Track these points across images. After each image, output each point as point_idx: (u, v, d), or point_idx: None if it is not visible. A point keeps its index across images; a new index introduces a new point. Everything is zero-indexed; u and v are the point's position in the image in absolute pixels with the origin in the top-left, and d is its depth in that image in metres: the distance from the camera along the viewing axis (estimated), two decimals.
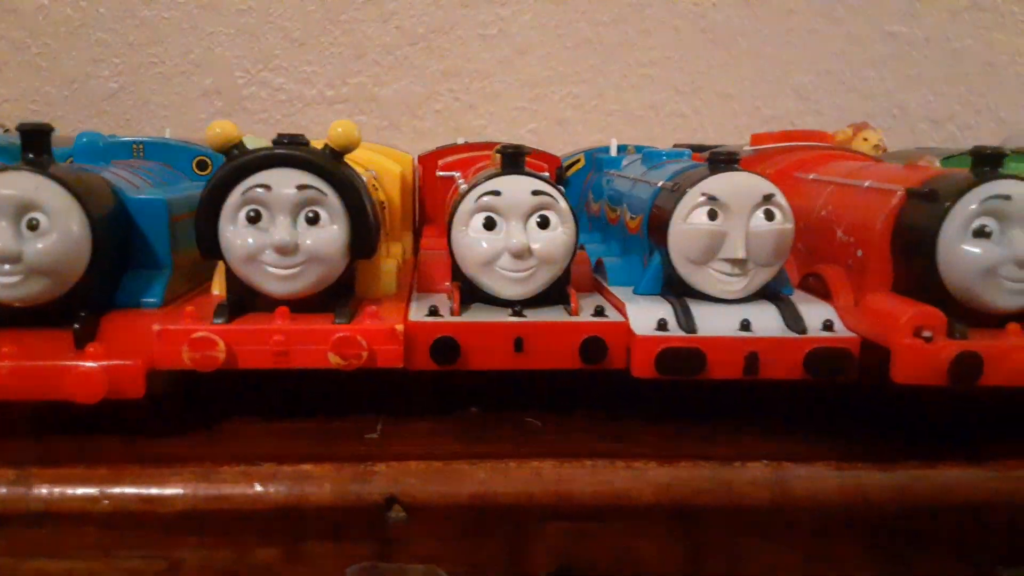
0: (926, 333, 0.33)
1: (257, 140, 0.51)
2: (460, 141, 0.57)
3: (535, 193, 0.36)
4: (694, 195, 0.36)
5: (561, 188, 0.38)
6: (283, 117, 1.22)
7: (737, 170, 0.37)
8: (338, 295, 0.34)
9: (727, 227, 0.36)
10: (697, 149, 0.66)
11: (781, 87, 1.24)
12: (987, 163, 0.34)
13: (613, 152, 0.56)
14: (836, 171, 0.44)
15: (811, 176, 0.45)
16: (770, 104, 1.24)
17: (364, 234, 0.34)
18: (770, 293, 0.38)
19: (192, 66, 1.21)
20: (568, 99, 1.23)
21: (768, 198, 0.36)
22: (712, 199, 0.36)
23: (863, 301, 0.36)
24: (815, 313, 0.36)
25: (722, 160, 0.37)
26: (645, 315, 0.35)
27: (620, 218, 0.45)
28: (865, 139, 0.64)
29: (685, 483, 0.32)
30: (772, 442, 0.35)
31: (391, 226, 0.47)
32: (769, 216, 0.36)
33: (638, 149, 0.60)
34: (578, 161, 0.58)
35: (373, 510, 0.31)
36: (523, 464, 0.32)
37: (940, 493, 0.33)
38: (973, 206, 0.33)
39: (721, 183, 0.36)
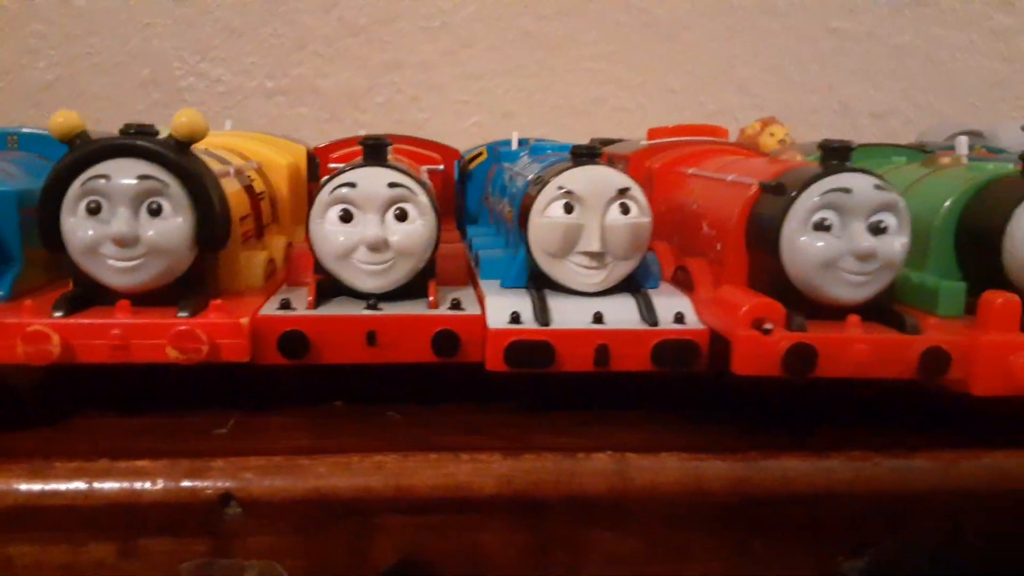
0: (767, 325, 0.33)
1: None
2: (361, 133, 0.57)
3: (392, 185, 0.35)
4: (551, 189, 0.36)
5: (425, 181, 0.38)
6: (222, 109, 1.21)
7: (597, 164, 0.37)
8: (187, 288, 0.34)
9: (583, 220, 0.36)
10: (606, 143, 0.67)
11: (725, 82, 1.25)
12: (835, 156, 0.35)
13: (514, 145, 0.56)
14: (712, 166, 0.44)
15: (690, 171, 0.45)
16: (714, 99, 1.25)
17: (210, 226, 0.34)
18: (633, 286, 0.38)
19: (129, 57, 1.20)
20: (512, 93, 1.22)
21: (623, 192, 0.36)
22: (568, 192, 0.36)
23: (715, 293, 0.36)
24: (670, 306, 0.36)
25: (583, 154, 0.37)
26: (501, 308, 0.35)
27: (503, 211, 0.45)
28: (771, 134, 0.64)
29: (527, 474, 0.32)
30: (622, 433, 0.35)
31: (277, 218, 0.47)
32: (625, 210, 0.36)
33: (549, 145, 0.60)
34: (480, 154, 0.58)
35: (209, 506, 0.31)
36: (366, 458, 0.32)
37: (780, 483, 0.33)
38: (814, 199, 0.33)
39: (577, 177, 0.36)
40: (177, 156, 0.33)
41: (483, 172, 0.57)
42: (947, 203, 0.38)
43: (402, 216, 0.36)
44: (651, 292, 0.38)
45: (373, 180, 0.35)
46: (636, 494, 0.32)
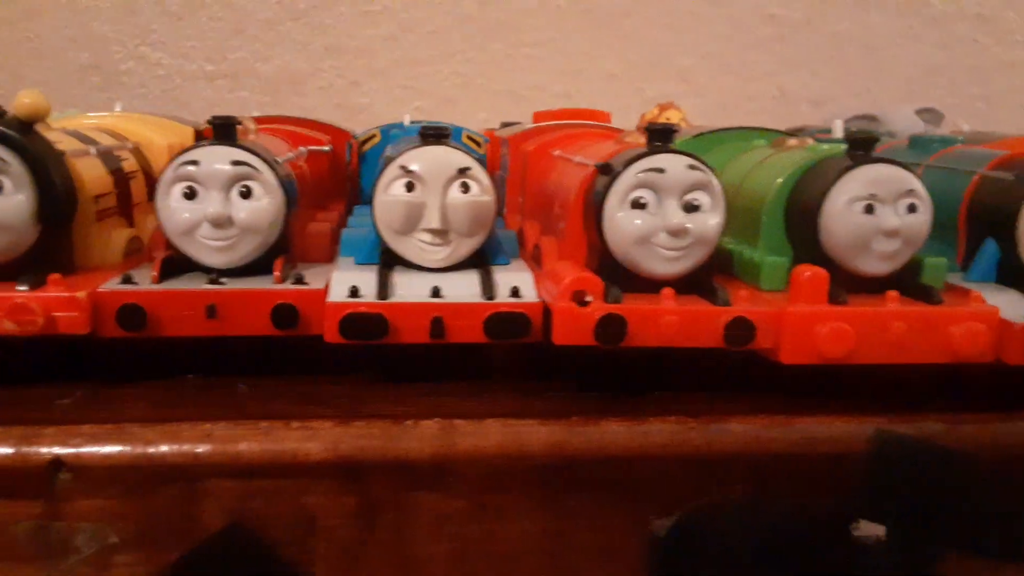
0: (588, 298, 0.35)
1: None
2: (255, 114, 0.58)
3: (235, 163, 0.37)
4: (393, 168, 0.37)
5: (277, 160, 0.39)
6: (162, 92, 1.21)
7: (442, 144, 0.38)
8: (34, 263, 0.35)
9: (425, 198, 0.37)
10: (506, 126, 0.68)
11: (664, 69, 1.26)
12: (658, 138, 0.36)
13: (406, 124, 0.58)
14: (573, 148, 0.45)
15: (556, 152, 0.46)
16: (653, 85, 1.27)
17: (52, 203, 0.35)
18: (481, 262, 0.39)
19: (68, 41, 1.19)
20: (453, 78, 1.23)
21: (464, 171, 0.37)
22: (409, 172, 0.37)
23: (549, 268, 0.38)
24: (510, 281, 0.38)
25: (430, 135, 0.39)
26: (343, 283, 0.36)
27: None
28: (667, 118, 0.66)
29: (355, 440, 0.34)
30: (453, 402, 0.36)
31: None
32: (465, 188, 0.37)
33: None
34: (374, 136, 0.59)
35: (40, 471, 0.32)
36: (196, 426, 0.33)
37: (598, 446, 0.35)
38: (631, 178, 0.35)
39: (418, 157, 0.37)
40: (19, 135, 0.34)
41: (377, 154, 0.58)
42: (777, 182, 0.40)
43: (247, 193, 0.37)
44: (498, 268, 0.39)
45: (216, 158, 0.36)
46: (460, 458, 0.34)
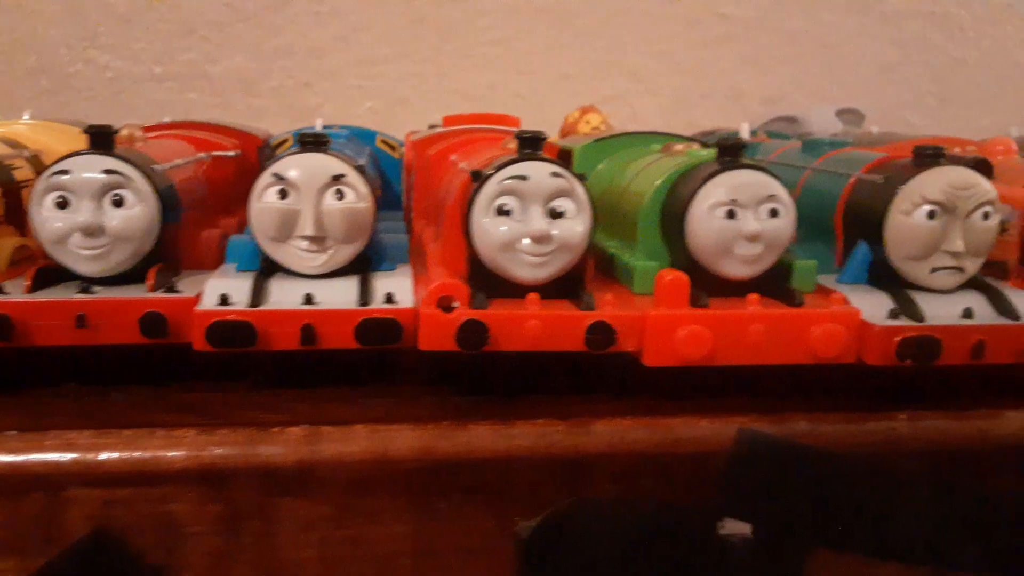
0: (455, 304, 0.35)
1: None
2: (166, 119, 0.58)
3: (107, 172, 0.37)
4: (266, 175, 0.38)
5: (149, 168, 0.39)
6: (111, 95, 1.21)
7: (320, 151, 0.39)
8: None
9: (299, 205, 0.38)
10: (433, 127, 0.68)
11: (617, 68, 1.27)
12: (527, 146, 0.37)
13: (319, 128, 0.58)
14: (468, 154, 0.46)
15: (452, 158, 0.47)
16: (607, 84, 1.27)
17: None
18: (364, 268, 0.40)
19: (15, 45, 1.18)
20: (407, 78, 1.23)
21: (338, 178, 0.38)
22: (281, 179, 0.37)
23: (424, 274, 0.38)
24: (387, 287, 0.38)
25: (308, 141, 0.39)
26: (215, 290, 0.37)
27: None
28: (587, 121, 0.66)
29: (218, 448, 0.34)
30: (323, 407, 0.37)
31: None
32: (340, 195, 0.38)
33: (351, 131, 0.61)
34: (287, 141, 0.60)
35: None
36: (60, 435, 0.34)
37: (465, 449, 0.35)
38: (495, 185, 0.35)
39: (291, 164, 0.38)
40: None
41: None
42: (654, 186, 0.40)
43: (119, 202, 0.37)
44: (381, 274, 0.40)
45: (87, 167, 0.37)
46: (325, 463, 0.35)
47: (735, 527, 0.37)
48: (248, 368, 0.40)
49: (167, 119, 0.59)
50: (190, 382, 0.39)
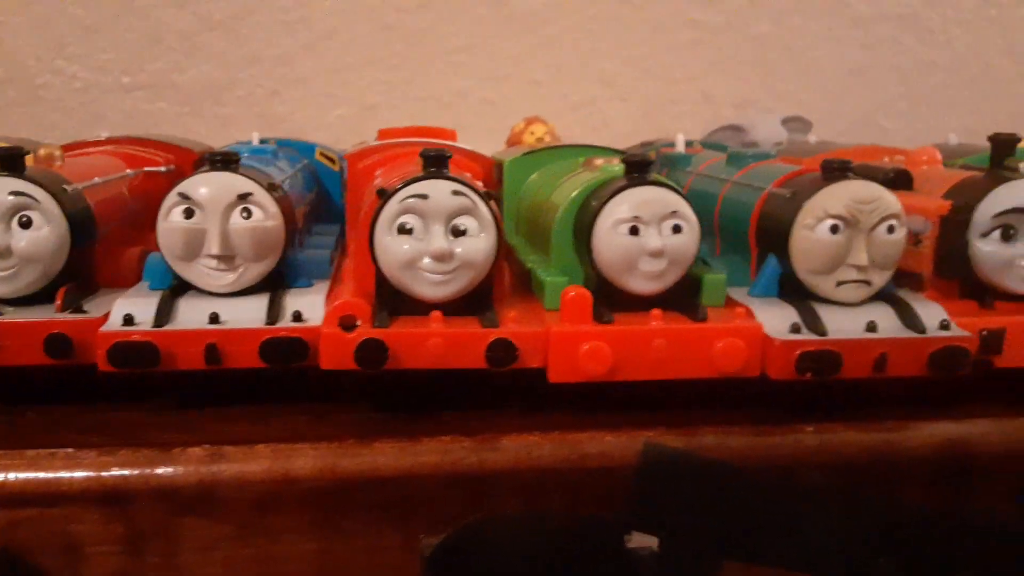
0: (358, 322, 0.35)
1: None
2: (103, 135, 0.58)
3: (13, 194, 0.37)
4: (172, 195, 0.38)
5: (59, 189, 0.39)
6: (80, 105, 1.21)
7: (228, 170, 0.39)
8: None
9: (205, 225, 0.38)
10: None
11: (586, 74, 1.27)
12: (432, 164, 0.37)
13: (255, 143, 0.58)
14: (393, 169, 0.46)
15: (377, 173, 0.47)
16: (576, 90, 1.28)
17: None
18: (277, 285, 0.40)
19: None
20: (375, 85, 1.23)
21: (244, 197, 0.38)
22: (186, 198, 0.38)
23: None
24: (298, 304, 0.38)
25: (217, 160, 0.39)
26: (122, 311, 0.37)
27: None
28: (532, 132, 0.67)
29: (119, 468, 0.34)
30: (227, 427, 0.37)
31: None
32: (247, 214, 0.38)
33: (289, 144, 0.61)
34: None
35: None
36: None
37: (369, 467, 0.35)
38: (395, 204, 0.36)
39: (197, 183, 0.38)
40: None
41: None
42: (565, 203, 0.41)
43: (27, 223, 0.37)
44: (295, 291, 0.40)
45: None
46: (227, 483, 0.35)
47: (643, 540, 0.37)
48: (163, 387, 0.41)
49: (104, 135, 0.59)
50: (99, 402, 0.39)
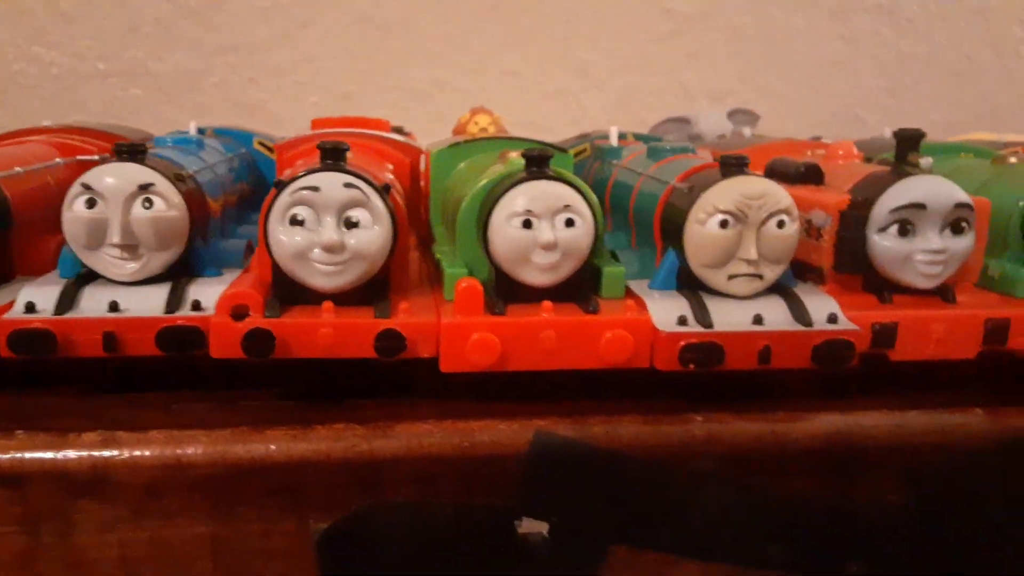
0: (249, 312, 0.36)
1: None
2: (46, 123, 0.59)
3: None
4: (76, 186, 0.39)
5: None
6: (57, 92, 1.21)
7: (134, 161, 0.39)
8: None
9: (107, 214, 0.39)
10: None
11: (564, 64, 1.28)
12: (328, 156, 0.38)
13: (192, 133, 0.59)
14: (312, 160, 0.47)
15: (299, 163, 0.48)
16: (554, 81, 1.28)
17: None
18: (183, 274, 0.41)
19: None
20: (351, 74, 1.24)
21: (146, 187, 0.39)
22: (89, 188, 0.38)
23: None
24: (200, 293, 0.39)
25: (123, 151, 0.40)
26: (25, 298, 0.38)
27: None
28: (476, 123, 0.67)
29: (16, 452, 0.35)
30: (124, 414, 0.38)
31: None
32: (148, 204, 0.39)
33: (227, 132, 0.62)
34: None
35: None
36: None
37: (260, 454, 0.36)
38: (287, 196, 0.36)
39: (100, 174, 0.39)
40: None
41: None
42: (470, 194, 0.41)
43: None
44: (201, 280, 0.41)
45: None
46: (120, 467, 0.36)
47: (533, 526, 0.38)
48: (73, 374, 0.42)
49: (47, 123, 0.59)
50: (3, 388, 0.40)
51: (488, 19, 1.24)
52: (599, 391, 0.41)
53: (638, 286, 0.42)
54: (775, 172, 0.49)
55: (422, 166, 0.56)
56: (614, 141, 0.58)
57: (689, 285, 0.41)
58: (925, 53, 1.35)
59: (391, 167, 0.49)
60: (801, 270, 0.44)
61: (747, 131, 0.67)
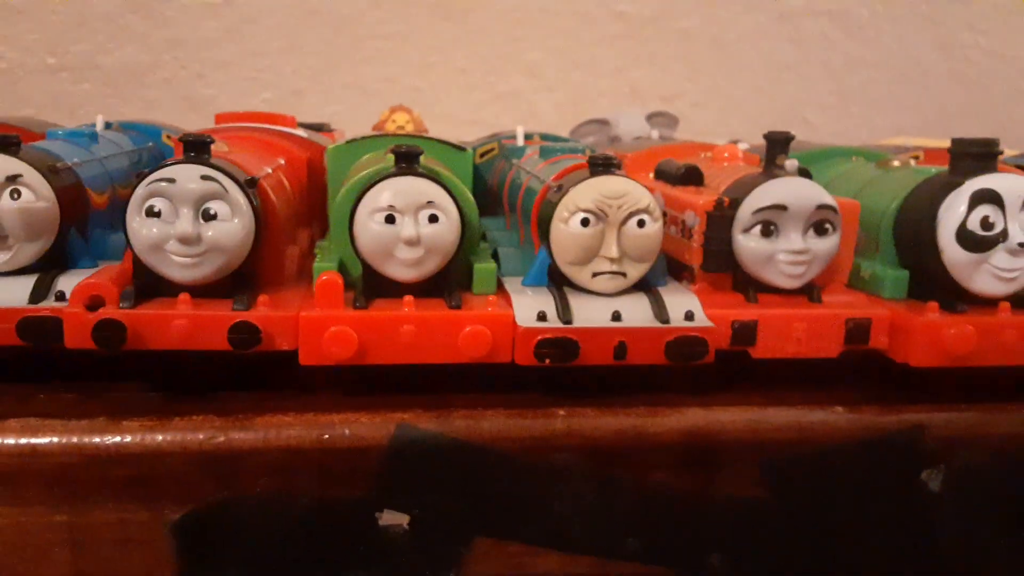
0: (104, 303, 0.37)
1: None
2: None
3: None
4: None
5: None
6: (6, 86, 1.21)
7: (5, 154, 0.40)
8: None
9: None
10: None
11: (513, 63, 1.28)
12: (191, 149, 0.38)
13: (99, 127, 0.58)
14: None
15: None
16: (503, 80, 1.29)
17: None
18: (54, 265, 0.41)
19: None
20: (301, 71, 1.24)
21: (13, 179, 0.39)
22: None
23: None
24: (67, 284, 0.39)
25: None
26: None
27: None
28: (394, 120, 0.68)
29: None
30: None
31: None
32: (16, 195, 0.39)
33: (135, 127, 0.62)
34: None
35: None
36: None
37: (114, 446, 0.36)
38: (144, 188, 0.37)
39: None
40: None
41: None
42: (343, 191, 0.42)
43: None
44: (74, 271, 0.41)
45: None
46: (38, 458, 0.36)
47: (393, 518, 0.39)
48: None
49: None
50: None
51: (439, 16, 1.24)
52: (465, 385, 0.41)
53: (515, 283, 0.43)
54: (660, 173, 0.50)
55: None
56: (520, 141, 0.59)
57: (560, 282, 0.41)
58: (873, 57, 1.36)
59: (282, 162, 0.49)
60: (678, 269, 0.45)
61: (655, 134, 0.67)
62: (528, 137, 0.60)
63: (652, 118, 0.72)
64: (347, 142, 0.52)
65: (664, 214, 0.47)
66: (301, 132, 0.56)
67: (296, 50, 1.24)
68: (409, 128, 0.69)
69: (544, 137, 0.61)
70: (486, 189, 0.60)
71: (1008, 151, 0.65)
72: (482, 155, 0.60)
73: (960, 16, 1.37)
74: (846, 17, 1.36)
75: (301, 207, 0.50)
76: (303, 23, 1.23)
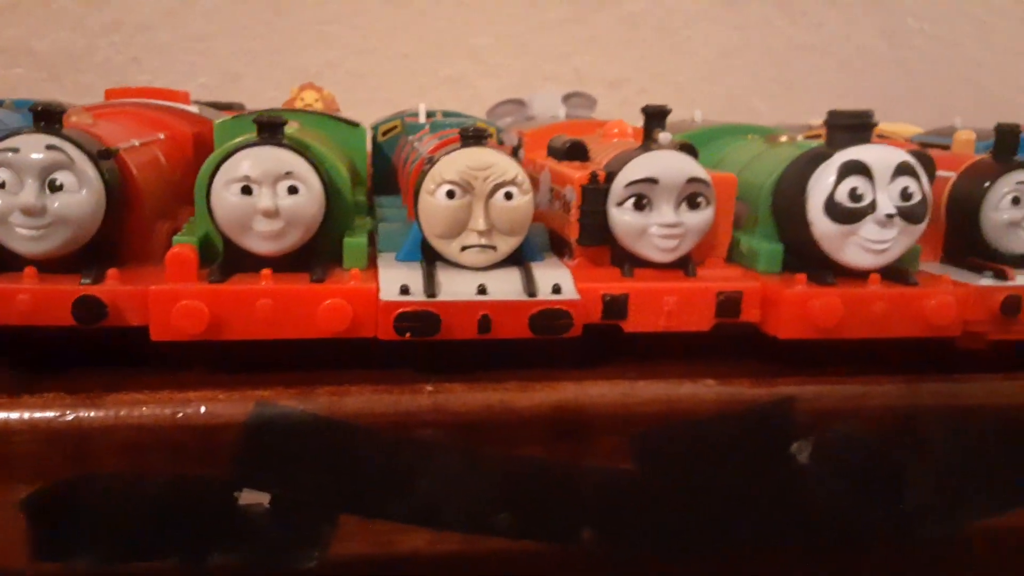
0: None
1: None
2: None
3: None
4: None
5: None
6: None
7: None
8: None
9: None
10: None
11: (458, 48, 1.27)
12: (40, 119, 0.37)
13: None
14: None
15: None
16: (448, 65, 1.27)
17: None
18: None
19: None
20: (240, 55, 1.22)
21: None
22: None
23: None
24: None
25: None
26: None
27: None
28: (301, 99, 0.67)
29: None
30: None
31: None
32: None
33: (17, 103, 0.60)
34: None
35: None
36: None
37: (23, 422, 0.36)
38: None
39: None
40: None
41: None
42: (206, 162, 0.41)
43: None
44: None
45: None
46: None
47: (253, 497, 0.38)
48: None
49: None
50: None
51: (382, 1, 1.23)
52: (336, 363, 0.41)
53: (391, 258, 0.42)
54: (550, 150, 0.49)
55: None
56: (421, 118, 0.58)
57: (434, 257, 0.41)
58: (818, 43, 1.37)
59: (161, 136, 0.48)
60: (561, 245, 0.45)
61: (561, 113, 0.67)
62: (431, 115, 0.60)
63: (569, 99, 0.72)
64: (234, 117, 0.51)
65: (551, 190, 0.47)
66: (192, 108, 0.55)
67: (235, 33, 1.22)
68: (318, 107, 0.68)
69: (446, 115, 0.60)
70: (389, 166, 0.59)
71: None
72: (384, 133, 0.60)
73: (904, 3, 1.38)
74: (789, 3, 1.36)
75: (183, 182, 0.49)
76: (243, 6, 1.21)
